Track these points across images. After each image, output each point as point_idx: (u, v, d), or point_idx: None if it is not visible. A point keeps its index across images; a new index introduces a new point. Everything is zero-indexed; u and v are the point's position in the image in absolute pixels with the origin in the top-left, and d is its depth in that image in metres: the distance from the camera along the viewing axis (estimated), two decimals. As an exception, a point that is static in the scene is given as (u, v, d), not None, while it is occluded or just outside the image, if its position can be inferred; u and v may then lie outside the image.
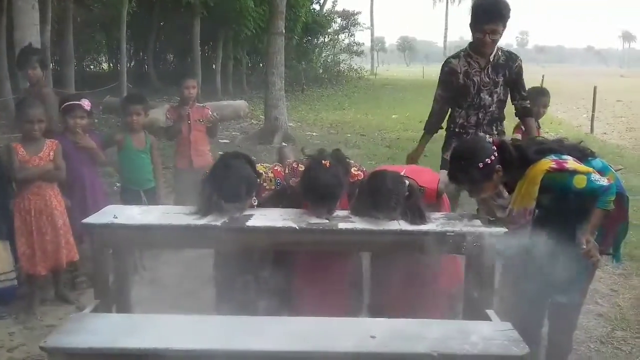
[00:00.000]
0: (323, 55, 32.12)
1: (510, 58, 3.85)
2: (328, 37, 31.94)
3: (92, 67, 29.66)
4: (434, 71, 56.08)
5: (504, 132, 4.01)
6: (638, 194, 6.94)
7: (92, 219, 2.82)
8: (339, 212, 2.90)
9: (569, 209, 2.65)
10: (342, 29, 34.10)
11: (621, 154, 10.18)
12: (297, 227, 2.69)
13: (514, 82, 3.89)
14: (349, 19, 34.05)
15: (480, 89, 3.84)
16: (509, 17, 3.68)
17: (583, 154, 2.81)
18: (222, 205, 2.79)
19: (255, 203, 2.91)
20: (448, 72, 3.93)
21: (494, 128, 3.97)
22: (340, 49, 34.18)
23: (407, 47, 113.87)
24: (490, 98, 3.85)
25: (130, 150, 4.37)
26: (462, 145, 2.90)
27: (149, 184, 4.45)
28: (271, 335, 2.28)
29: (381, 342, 2.22)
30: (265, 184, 2.97)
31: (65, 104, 4.10)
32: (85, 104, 4.10)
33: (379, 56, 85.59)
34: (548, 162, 2.65)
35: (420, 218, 2.77)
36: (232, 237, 2.74)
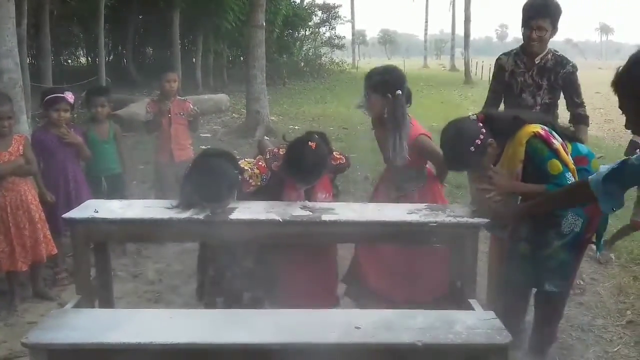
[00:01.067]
0: (304, 48, 32.05)
1: (560, 63, 3.72)
2: (309, 30, 31.90)
3: (69, 61, 29.23)
4: (415, 64, 56.08)
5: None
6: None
7: (73, 213, 2.78)
8: (323, 204, 2.91)
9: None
10: (323, 22, 34.05)
11: (599, 145, 10.31)
12: (280, 220, 2.68)
13: (564, 88, 3.76)
14: (330, 12, 33.99)
15: (523, 89, 3.77)
16: (558, 16, 3.65)
17: (571, 138, 2.84)
18: (203, 205, 2.76)
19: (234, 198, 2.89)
20: (498, 68, 3.92)
21: None
22: (322, 42, 34.14)
23: (388, 40, 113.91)
24: (532, 100, 3.75)
25: (93, 140, 4.45)
26: (449, 133, 2.83)
27: (110, 171, 4.58)
28: (256, 328, 2.28)
29: (366, 332, 2.23)
30: (251, 180, 2.93)
31: (49, 96, 4.02)
32: (69, 96, 4.06)
33: (360, 49, 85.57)
34: (537, 127, 2.65)
35: None
36: (216, 231, 2.73)
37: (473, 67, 32.49)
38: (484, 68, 30.69)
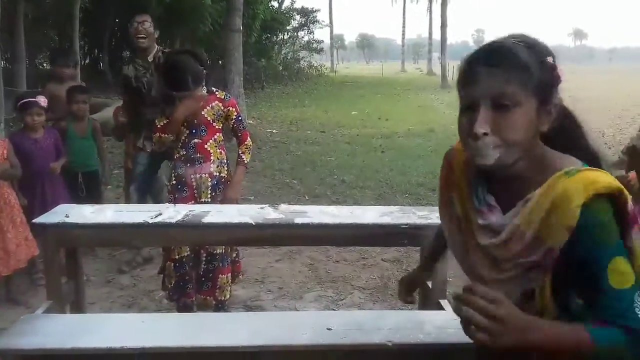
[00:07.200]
0: (283, 52, 32.04)
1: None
2: (287, 34, 31.88)
3: (44, 64, 28.84)
4: (392, 68, 56.30)
5: None
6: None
7: (44, 218, 2.75)
8: (295, 207, 2.92)
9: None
10: (301, 26, 34.02)
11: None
12: (253, 223, 2.69)
13: None
14: (308, 16, 34.00)
15: (151, 88, 4.08)
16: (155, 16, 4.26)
17: None
18: (174, 96, 3.19)
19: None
20: (124, 79, 4.26)
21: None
22: (300, 46, 34.15)
23: (366, 45, 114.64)
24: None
25: (72, 137, 4.53)
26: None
27: (87, 168, 4.63)
28: (227, 331, 2.28)
29: (337, 334, 2.24)
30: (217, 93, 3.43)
31: (22, 101, 4.07)
32: (42, 100, 4.10)
33: (338, 53, 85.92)
34: (609, 178, 1.20)
35: None
36: (188, 234, 2.73)
37: (450, 72, 32.79)
38: (461, 72, 31.01)
